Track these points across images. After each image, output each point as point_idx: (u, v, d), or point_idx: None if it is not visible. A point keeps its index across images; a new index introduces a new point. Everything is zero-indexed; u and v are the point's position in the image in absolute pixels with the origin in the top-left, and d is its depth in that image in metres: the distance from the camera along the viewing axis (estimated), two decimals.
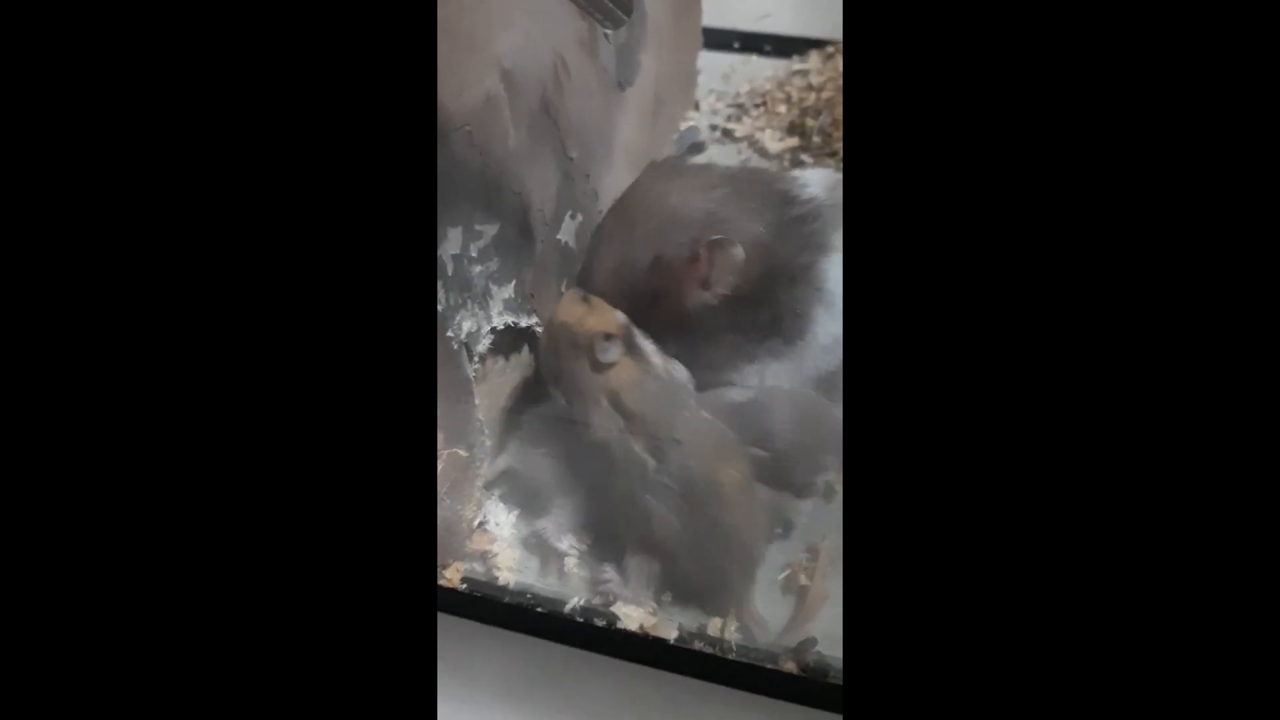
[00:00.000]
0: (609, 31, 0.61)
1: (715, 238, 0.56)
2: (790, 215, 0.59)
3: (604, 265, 0.62)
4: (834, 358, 0.60)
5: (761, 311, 0.59)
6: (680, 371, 0.60)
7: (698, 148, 0.63)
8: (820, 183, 0.62)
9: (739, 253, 0.56)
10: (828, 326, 0.59)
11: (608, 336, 0.58)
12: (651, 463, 0.58)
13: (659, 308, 0.60)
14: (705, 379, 0.61)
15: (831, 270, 0.59)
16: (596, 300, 0.61)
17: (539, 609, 0.58)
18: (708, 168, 0.63)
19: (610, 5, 0.50)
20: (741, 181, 0.61)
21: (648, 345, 0.60)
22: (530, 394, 0.71)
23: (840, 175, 0.64)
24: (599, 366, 0.58)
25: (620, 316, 0.60)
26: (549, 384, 0.62)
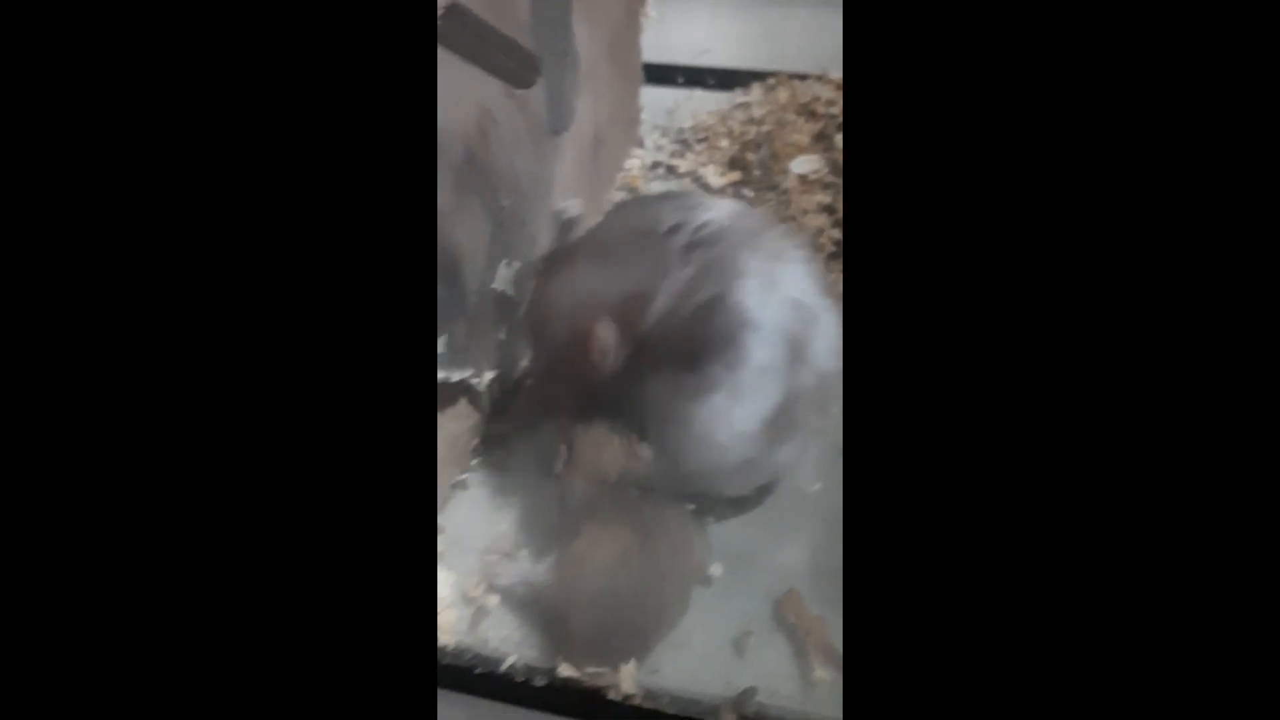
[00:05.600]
0: (518, 91, 0.61)
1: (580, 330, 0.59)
2: (679, 244, 0.59)
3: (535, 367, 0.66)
4: (780, 388, 0.59)
5: (674, 350, 0.58)
6: None
7: (568, 225, 0.64)
8: (724, 210, 0.62)
9: (604, 332, 0.58)
10: (759, 355, 0.58)
11: None
12: None
13: (580, 385, 0.61)
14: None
15: (749, 297, 0.58)
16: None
17: (476, 669, 0.58)
18: (584, 242, 0.65)
19: (513, 66, 0.50)
20: (613, 242, 0.62)
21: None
22: (472, 448, 0.71)
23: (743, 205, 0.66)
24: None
25: None
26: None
